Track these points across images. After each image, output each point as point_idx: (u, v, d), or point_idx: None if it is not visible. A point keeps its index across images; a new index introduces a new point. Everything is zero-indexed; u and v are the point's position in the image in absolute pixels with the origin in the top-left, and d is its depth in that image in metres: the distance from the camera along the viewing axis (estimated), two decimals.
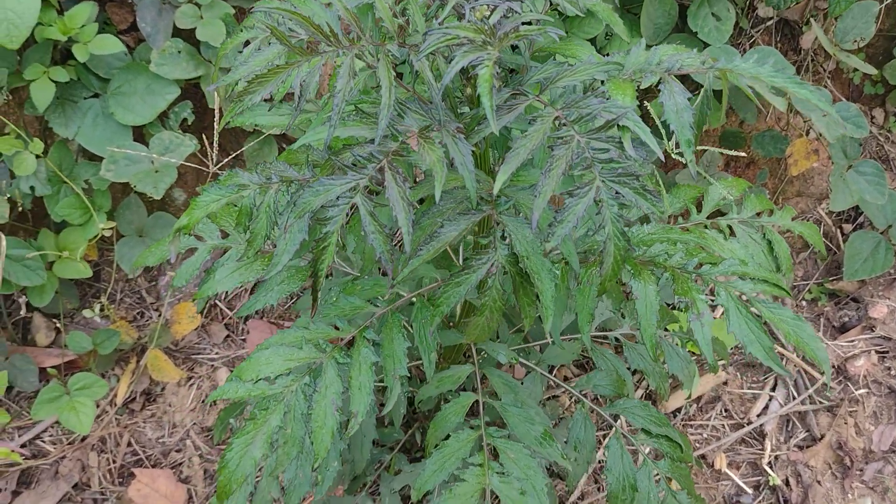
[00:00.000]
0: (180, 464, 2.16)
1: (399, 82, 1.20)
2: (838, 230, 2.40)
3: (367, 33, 1.05)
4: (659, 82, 1.06)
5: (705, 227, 1.47)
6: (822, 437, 2.12)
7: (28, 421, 2.18)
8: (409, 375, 1.83)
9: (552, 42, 1.34)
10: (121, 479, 2.14)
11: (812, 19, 2.10)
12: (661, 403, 2.18)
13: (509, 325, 1.79)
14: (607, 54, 2.04)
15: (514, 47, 1.20)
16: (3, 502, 2.06)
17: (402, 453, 1.91)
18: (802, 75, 2.30)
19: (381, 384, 1.30)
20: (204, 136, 2.08)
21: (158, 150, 1.99)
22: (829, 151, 2.00)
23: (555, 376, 2.09)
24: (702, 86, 1.07)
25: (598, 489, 2.10)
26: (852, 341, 2.24)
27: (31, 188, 1.99)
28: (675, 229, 1.30)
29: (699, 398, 2.21)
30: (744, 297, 1.18)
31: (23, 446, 2.15)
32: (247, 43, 1.19)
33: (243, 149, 2.15)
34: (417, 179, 1.39)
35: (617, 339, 1.76)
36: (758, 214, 1.46)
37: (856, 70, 2.32)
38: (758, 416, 2.17)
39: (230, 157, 2.20)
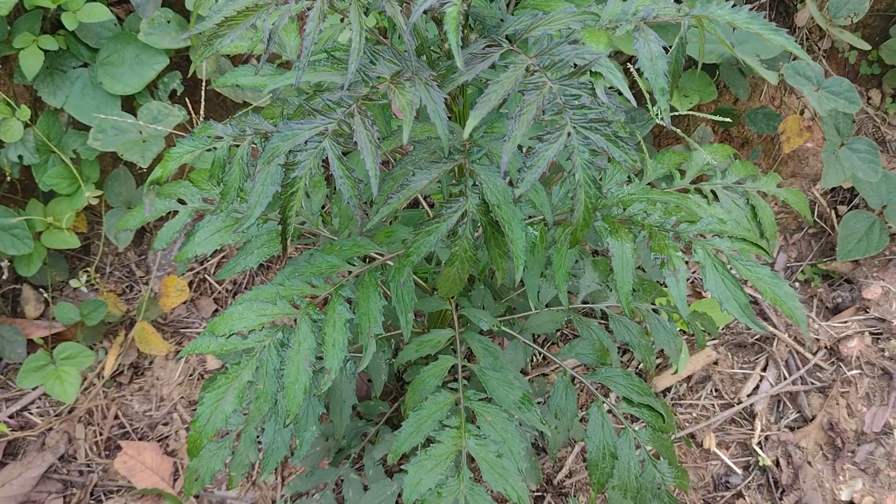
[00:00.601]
0: (167, 437, 2.15)
1: (377, 35, 1.19)
2: (833, 211, 2.38)
3: None
4: (635, 30, 1.04)
5: (688, 192, 1.45)
6: (814, 417, 2.09)
7: (15, 392, 2.18)
8: (395, 347, 1.82)
9: None
10: (107, 452, 2.14)
11: None
12: (651, 382, 2.17)
13: (494, 296, 1.77)
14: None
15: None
16: None
17: (387, 426, 1.90)
18: None
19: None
20: (191, 106, 2.07)
21: (147, 120, 1.99)
22: (822, 127, 1.98)
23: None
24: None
25: (586, 468, 2.08)
26: (846, 322, 2.22)
27: (20, 157, 1.99)
28: (655, 190, 1.29)
29: (689, 378, 2.19)
30: (722, 256, 1.16)
31: (10, 417, 2.15)
32: None
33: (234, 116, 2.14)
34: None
35: (603, 312, 1.74)
36: (742, 181, 1.44)
37: (851, 49, 2.30)
38: (748, 396, 2.15)
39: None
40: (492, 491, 1.65)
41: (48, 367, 2.01)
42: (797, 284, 2.34)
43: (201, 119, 1.94)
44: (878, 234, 2.19)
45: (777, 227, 2.02)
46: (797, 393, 2.14)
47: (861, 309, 2.23)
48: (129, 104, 2.07)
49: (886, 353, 2.15)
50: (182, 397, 2.21)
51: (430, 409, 1.35)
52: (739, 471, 2.06)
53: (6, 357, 2.17)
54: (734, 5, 1.03)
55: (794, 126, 2.05)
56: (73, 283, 2.10)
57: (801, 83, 1.91)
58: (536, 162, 0.97)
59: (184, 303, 2.29)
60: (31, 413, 2.17)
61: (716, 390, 2.17)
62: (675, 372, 1.70)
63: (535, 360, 2.22)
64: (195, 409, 2.20)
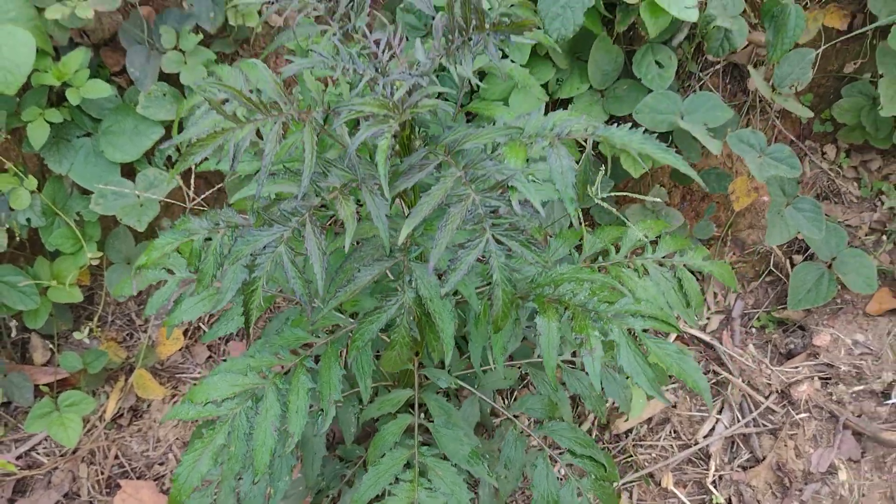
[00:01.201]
0: (163, 476, 2.32)
1: (335, 138, 1.36)
2: (788, 260, 2.53)
3: (293, 102, 1.20)
4: (549, 146, 1.20)
5: (625, 266, 1.61)
6: (764, 458, 2.24)
7: (24, 434, 2.35)
8: (367, 400, 1.98)
9: (480, 103, 1.51)
10: (108, 490, 2.30)
11: (751, 66, 2.24)
12: (614, 424, 2.32)
13: (460, 352, 1.93)
14: (558, 99, 2.19)
15: (434, 113, 1.36)
16: None
17: (363, 469, 2.06)
18: (751, 115, 2.44)
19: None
20: (178, 176, 2.25)
21: (143, 186, 2.16)
22: (768, 189, 2.13)
23: (504, 399, 2.24)
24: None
25: None
26: (797, 367, 2.36)
27: (28, 220, 2.17)
28: (584, 270, 1.44)
29: (650, 420, 2.34)
30: (634, 334, 1.32)
31: (18, 458, 2.33)
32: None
33: (224, 183, 2.32)
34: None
35: (559, 365, 1.90)
36: (671, 255, 1.60)
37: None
38: (704, 437, 2.30)
39: (213, 189, 2.38)
40: None
41: (53, 413, 2.18)
42: (754, 330, 2.49)
43: (192, 188, 2.12)
44: (827, 285, 2.34)
45: (735, 276, 2.18)
46: (749, 435, 2.28)
47: (812, 355, 2.38)
48: (129, 168, 2.26)
49: (834, 398, 2.29)
50: (177, 438, 2.37)
51: (388, 464, 1.51)
52: None
53: (15, 401, 2.35)
54: (633, 126, 1.19)
55: (742, 187, 2.20)
56: (77, 335, 2.28)
57: (745, 150, 2.06)
58: (459, 266, 1.13)
59: (179, 350, 2.46)
60: (38, 453, 2.34)
61: (674, 431, 2.32)
62: (626, 420, 1.85)
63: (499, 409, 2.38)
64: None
